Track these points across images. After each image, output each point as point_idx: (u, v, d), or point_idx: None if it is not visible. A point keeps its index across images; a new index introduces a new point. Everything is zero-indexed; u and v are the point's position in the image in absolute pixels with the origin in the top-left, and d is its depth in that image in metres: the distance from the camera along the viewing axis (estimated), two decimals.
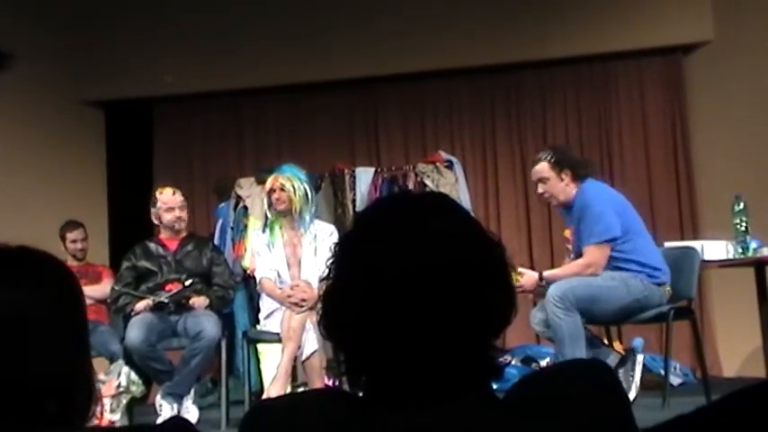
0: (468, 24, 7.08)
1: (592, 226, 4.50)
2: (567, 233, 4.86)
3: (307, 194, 5.15)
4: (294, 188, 5.10)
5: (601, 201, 4.57)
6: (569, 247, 4.87)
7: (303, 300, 4.88)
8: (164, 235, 5.46)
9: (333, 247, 1.22)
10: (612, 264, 4.52)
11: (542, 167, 4.64)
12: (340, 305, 1.18)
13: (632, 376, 4.57)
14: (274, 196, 5.13)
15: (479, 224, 1.22)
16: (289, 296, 4.94)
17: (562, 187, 4.63)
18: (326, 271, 1.21)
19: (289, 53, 7.20)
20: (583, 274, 4.47)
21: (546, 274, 4.54)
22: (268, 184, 5.20)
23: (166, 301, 5.13)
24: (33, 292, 1.24)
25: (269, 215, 5.23)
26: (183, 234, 5.43)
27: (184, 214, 5.42)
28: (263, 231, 5.28)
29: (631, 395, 4.47)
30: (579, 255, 4.60)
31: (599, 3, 7.07)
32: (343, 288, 1.18)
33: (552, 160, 4.62)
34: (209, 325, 5.07)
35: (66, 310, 1.28)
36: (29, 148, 7.00)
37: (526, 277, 4.52)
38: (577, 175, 4.63)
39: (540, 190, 4.70)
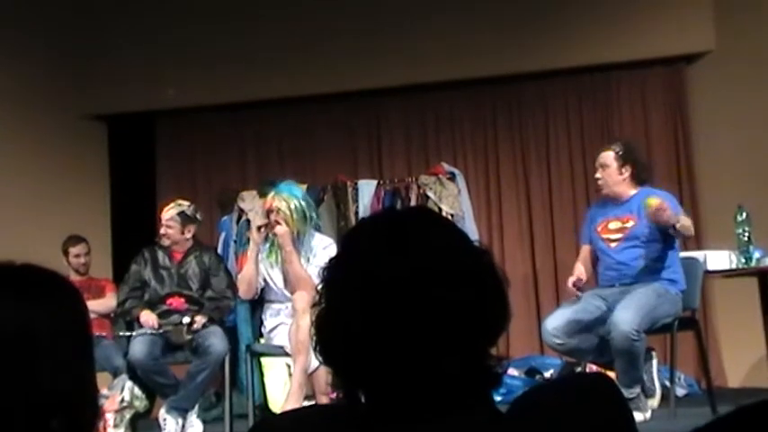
0: (469, 36, 7.09)
1: (674, 205, 4.65)
2: (602, 227, 4.85)
3: (304, 213, 5.07)
4: (290, 210, 5.02)
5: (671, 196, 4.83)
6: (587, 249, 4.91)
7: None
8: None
9: (321, 272, 1.22)
10: (666, 265, 4.67)
11: (607, 155, 4.79)
12: (333, 327, 1.18)
13: (652, 379, 4.67)
14: (272, 217, 5.10)
15: (465, 234, 1.22)
16: (259, 227, 5.02)
17: (618, 180, 4.76)
18: (317, 296, 1.20)
19: (291, 66, 7.21)
20: (691, 229, 4.68)
21: (678, 226, 4.52)
22: (266, 204, 5.15)
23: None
24: (39, 310, 1.24)
25: (269, 235, 5.19)
26: (187, 246, 5.42)
27: (171, 231, 5.34)
28: (263, 249, 5.22)
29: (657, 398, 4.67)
30: (639, 239, 4.67)
31: (601, 13, 7.08)
32: (334, 308, 1.18)
33: (619, 153, 4.77)
34: (216, 340, 5.07)
35: (71, 327, 1.28)
36: (32, 162, 7.01)
37: (666, 212, 4.45)
38: (637, 175, 4.77)
39: (597, 175, 4.82)
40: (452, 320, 1.13)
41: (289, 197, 5.04)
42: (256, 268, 5.09)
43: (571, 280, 4.70)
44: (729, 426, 1.05)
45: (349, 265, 1.19)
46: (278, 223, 5.01)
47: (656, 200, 4.48)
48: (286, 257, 5.00)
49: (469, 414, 1.13)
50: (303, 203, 5.09)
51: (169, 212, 5.37)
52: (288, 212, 4.99)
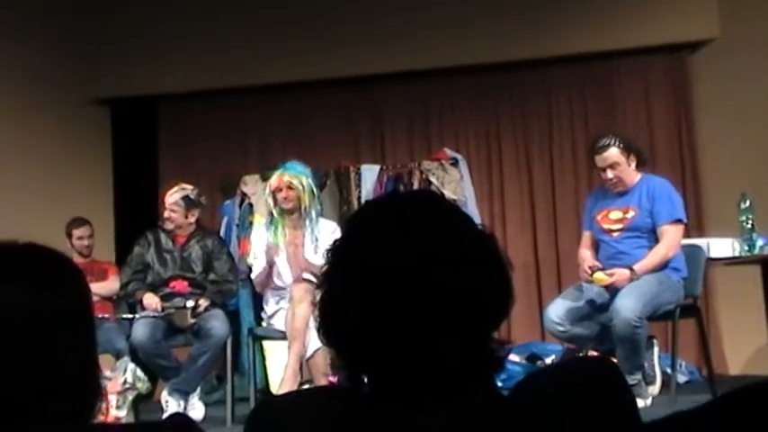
0: (472, 22, 7.07)
1: (669, 205, 4.68)
2: (602, 216, 4.84)
3: (313, 191, 5.15)
4: (303, 185, 5.09)
5: (673, 189, 4.83)
6: (588, 236, 4.92)
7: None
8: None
9: (325, 254, 1.22)
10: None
11: (613, 153, 4.71)
12: (336, 310, 1.18)
13: (653, 366, 4.67)
14: (281, 195, 5.09)
15: (469, 217, 1.22)
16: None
17: (630, 172, 4.74)
18: (321, 278, 1.21)
19: (294, 51, 7.20)
20: (667, 257, 4.62)
21: (637, 267, 4.56)
22: (273, 182, 5.14)
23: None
24: (43, 290, 1.24)
25: (274, 214, 5.19)
26: (191, 230, 5.42)
27: (175, 215, 5.35)
28: (267, 230, 5.24)
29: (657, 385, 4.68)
30: (640, 230, 4.68)
31: (604, 0, 7.06)
32: (337, 292, 1.18)
33: (621, 146, 4.72)
34: (217, 323, 5.08)
35: (75, 307, 1.28)
36: (35, 145, 7.01)
37: (617, 275, 4.55)
38: (640, 159, 4.77)
39: (609, 175, 4.72)
40: (456, 304, 1.13)
41: (299, 174, 5.09)
42: (270, 272, 5.10)
43: (587, 266, 4.67)
44: (713, 410, 1.06)
45: (352, 249, 1.19)
46: (288, 200, 5.04)
47: (603, 278, 4.55)
48: (295, 250, 5.04)
49: (472, 397, 1.14)
50: (311, 181, 5.14)
51: (173, 197, 5.38)
52: (300, 187, 5.04)
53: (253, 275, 5.24)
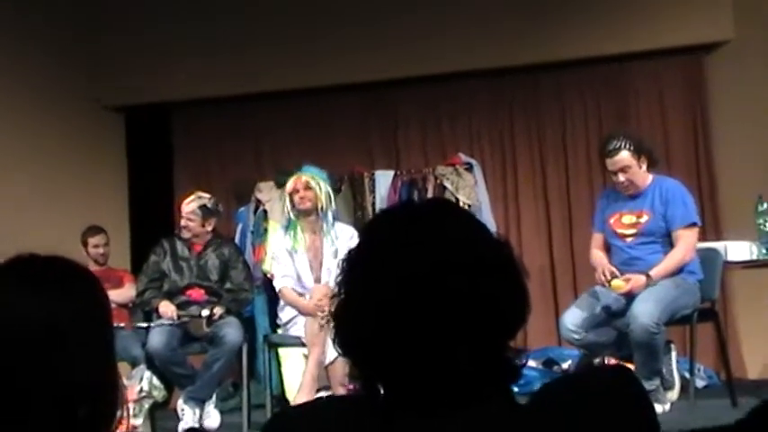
0: (485, 26, 7.07)
1: (683, 209, 4.65)
2: (614, 220, 4.80)
3: (329, 194, 5.17)
4: (320, 186, 5.11)
5: (686, 191, 4.80)
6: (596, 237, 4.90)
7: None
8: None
9: (340, 263, 1.21)
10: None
11: (624, 156, 4.64)
12: (352, 319, 1.18)
13: (671, 371, 4.64)
14: (298, 196, 5.10)
15: (485, 226, 1.21)
16: (319, 308, 4.86)
17: (642, 174, 4.69)
18: (336, 287, 1.20)
19: (307, 56, 7.21)
20: (684, 261, 4.59)
21: (653, 273, 4.53)
22: (290, 185, 5.16)
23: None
24: (63, 302, 1.26)
25: (291, 216, 5.19)
26: (207, 238, 5.43)
27: (192, 224, 5.36)
28: (285, 234, 5.25)
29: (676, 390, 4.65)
30: (655, 235, 4.66)
31: (618, 3, 7.03)
32: (353, 302, 1.18)
33: (632, 148, 4.65)
34: (231, 330, 5.09)
35: (95, 317, 1.30)
36: (50, 153, 7.04)
37: (633, 281, 4.53)
38: (651, 161, 4.72)
39: (621, 179, 4.67)
40: (472, 313, 1.13)
41: (316, 176, 5.10)
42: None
43: (605, 271, 4.63)
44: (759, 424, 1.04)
45: (367, 258, 1.18)
46: (305, 200, 5.05)
47: (621, 285, 4.51)
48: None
49: (488, 405, 1.13)
50: (327, 184, 5.18)
51: (190, 206, 5.38)
52: (318, 187, 5.06)
53: (276, 282, 5.22)
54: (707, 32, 6.86)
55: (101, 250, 6.19)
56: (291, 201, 5.14)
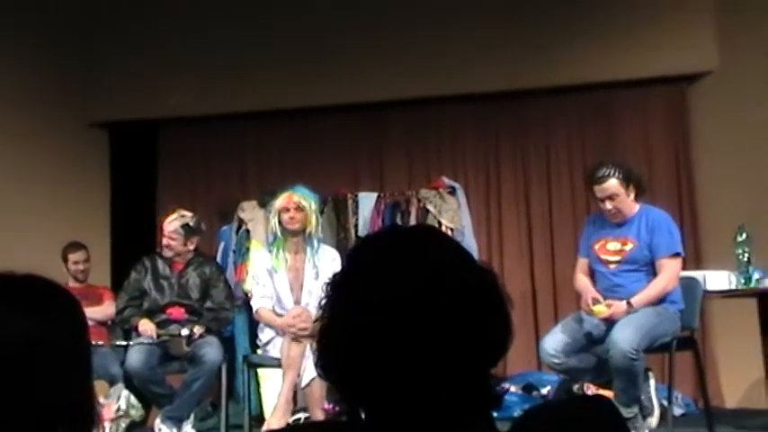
0: (472, 51, 7.11)
1: (669, 238, 4.66)
2: (599, 246, 4.82)
3: (318, 217, 5.16)
4: (311, 208, 5.08)
5: (672, 222, 4.83)
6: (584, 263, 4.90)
7: (304, 329, 4.85)
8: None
9: (324, 288, 1.22)
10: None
11: (613, 184, 4.66)
12: (334, 343, 1.18)
13: (650, 398, 4.64)
14: (288, 215, 5.06)
15: (469, 253, 1.22)
16: (290, 325, 4.90)
17: (629, 203, 4.70)
18: (320, 311, 1.21)
19: (293, 77, 7.23)
20: (666, 290, 4.60)
21: (634, 301, 4.53)
22: (281, 202, 5.09)
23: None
24: (41, 321, 1.25)
25: (278, 234, 5.16)
26: (189, 257, 5.41)
27: (174, 243, 5.34)
28: (269, 252, 5.22)
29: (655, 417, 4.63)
30: (639, 263, 4.67)
31: (603, 31, 7.09)
32: (336, 325, 1.18)
33: (621, 176, 4.67)
34: (210, 349, 5.06)
35: (71, 336, 1.29)
36: (32, 168, 7.01)
37: (614, 307, 4.53)
38: (639, 190, 4.74)
39: (608, 206, 4.68)
40: (455, 340, 1.13)
41: (308, 197, 5.09)
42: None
43: (590, 298, 4.65)
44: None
45: (351, 282, 1.19)
46: (294, 221, 5.03)
47: (603, 310, 4.53)
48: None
49: (469, 431, 1.13)
50: (318, 207, 5.19)
51: (172, 224, 5.35)
52: (309, 209, 5.04)
53: (254, 302, 5.20)
54: (691, 63, 6.93)
55: (81, 267, 6.15)
56: (279, 218, 5.10)
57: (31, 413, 1.20)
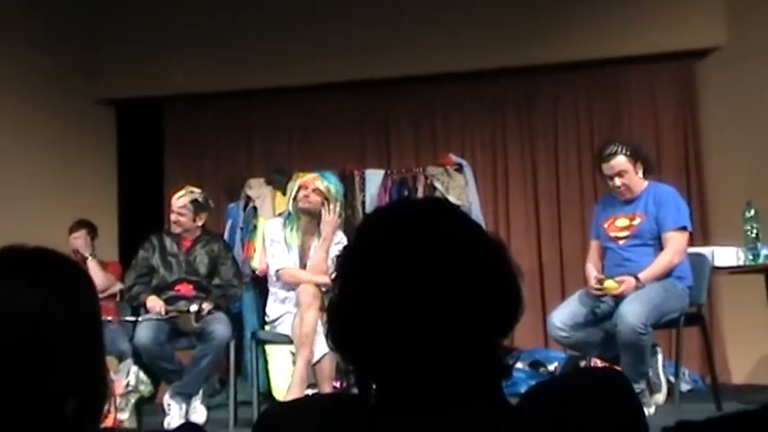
0: (479, 28, 7.08)
1: (675, 212, 4.68)
2: (609, 224, 4.83)
3: (336, 207, 5.14)
4: (328, 193, 5.08)
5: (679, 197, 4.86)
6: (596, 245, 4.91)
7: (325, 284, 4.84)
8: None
9: (335, 261, 1.22)
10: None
11: (621, 161, 4.69)
12: (345, 316, 1.18)
13: (658, 374, 4.66)
14: (303, 192, 5.10)
15: (479, 226, 1.22)
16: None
17: (637, 180, 4.72)
18: (330, 285, 1.21)
19: (300, 54, 7.20)
20: (672, 264, 4.61)
21: (642, 276, 4.54)
22: (304, 179, 5.14)
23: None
24: (53, 294, 1.25)
25: (290, 210, 5.19)
26: (197, 234, 5.42)
27: (183, 219, 5.34)
28: (284, 226, 5.22)
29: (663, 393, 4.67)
30: (647, 237, 4.68)
31: (611, 7, 7.05)
32: (347, 299, 1.18)
33: (629, 153, 4.70)
34: (219, 326, 5.08)
35: (84, 311, 1.29)
36: (40, 146, 7.02)
37: (625, 284, 4.53)
38: (647, 167, 4.76)
39: (617, 183, 4.71)
40: (465, 311, 1.13)
41: (333, 185, 5.14)
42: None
43: (593, 279, 4.65)
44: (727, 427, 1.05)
45: (362, 255, 1.19)
46: (307, 200, 5.02)
47: (614, 285, 4.53)
48: (322, 243, 5.02)
49: (478, 403, 1.14)
50: (341, 198, 5.27)
51: (181, 200, 5.35)
52: (327, 196, 5.04)
53: (275, 263, 5.13)
54: (699, 38, 6.89)
55: (78, 243, 6.17)
56: (297, 194, 5.13)
57: (42, 385, 1.20)
